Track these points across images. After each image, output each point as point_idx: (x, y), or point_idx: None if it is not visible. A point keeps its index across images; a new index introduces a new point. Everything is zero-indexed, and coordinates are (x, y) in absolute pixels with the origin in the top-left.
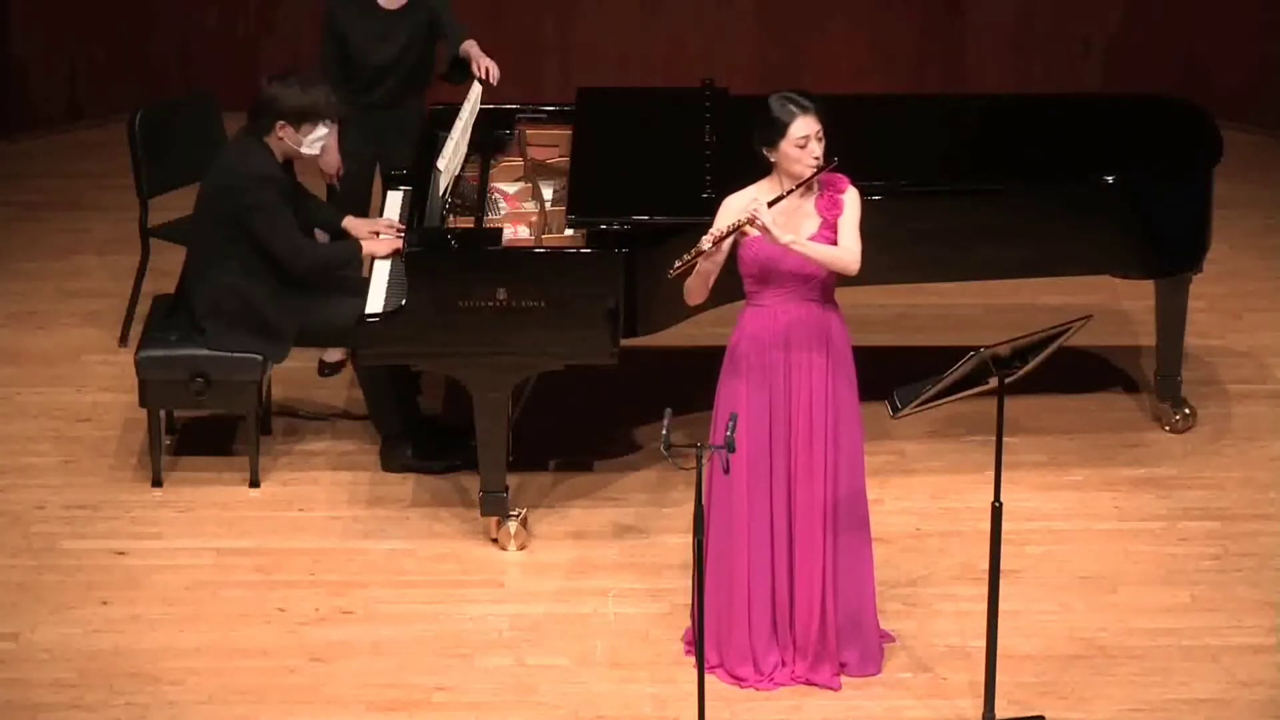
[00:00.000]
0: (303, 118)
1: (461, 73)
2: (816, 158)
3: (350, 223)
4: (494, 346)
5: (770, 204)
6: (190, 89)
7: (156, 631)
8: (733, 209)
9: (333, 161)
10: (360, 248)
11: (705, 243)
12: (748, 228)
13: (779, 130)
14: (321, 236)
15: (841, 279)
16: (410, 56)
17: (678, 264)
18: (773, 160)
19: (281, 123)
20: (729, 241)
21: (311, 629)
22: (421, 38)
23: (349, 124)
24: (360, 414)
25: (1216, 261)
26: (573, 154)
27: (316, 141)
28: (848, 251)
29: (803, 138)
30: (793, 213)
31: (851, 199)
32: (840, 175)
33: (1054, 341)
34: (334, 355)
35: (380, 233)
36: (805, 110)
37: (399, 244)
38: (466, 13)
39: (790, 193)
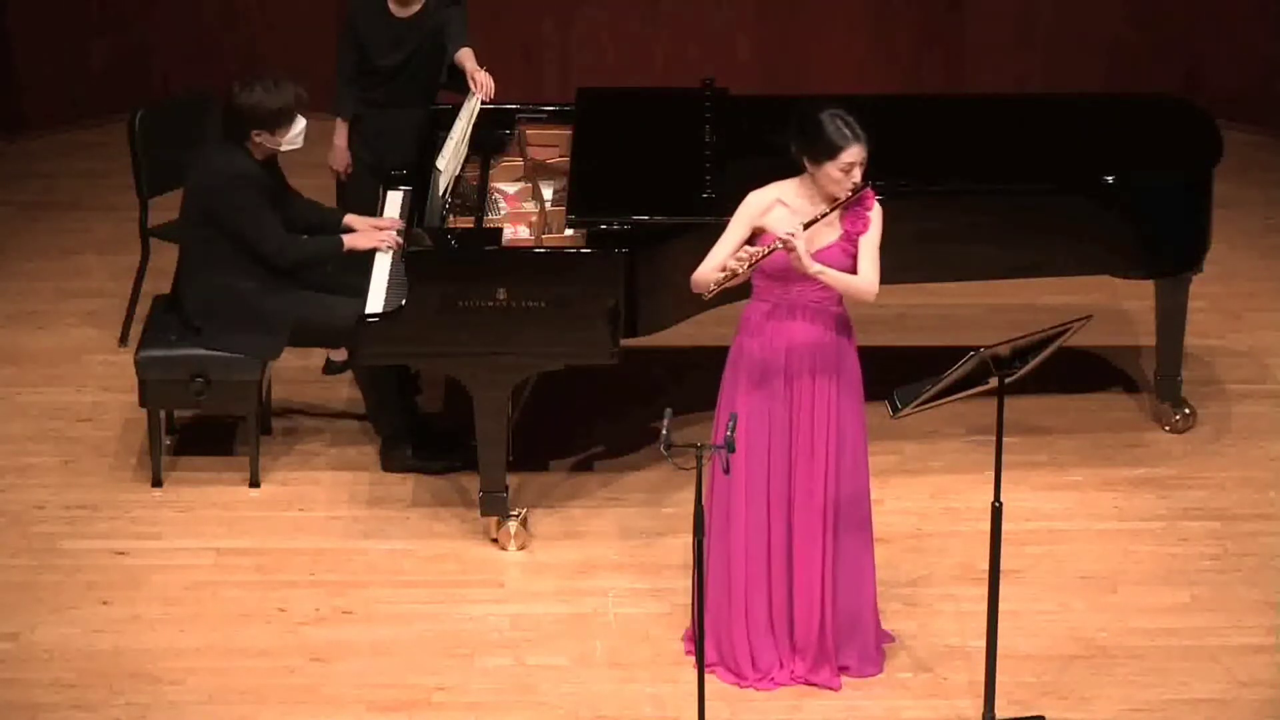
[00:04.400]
0: (277, 123)
1: (455, 79)
2: (855, 183)
3: (352, 220)
4: (494, 346)
5: (805, 226)
6: (190, 89)
7: (156, 631)
8: (755, 207)
9: (341, 159)
10: (342, 243)
11: (740, 265)
12: (780, 247)
13: (828, 152)
14: None
15: None
16: (416, 63)
17: (714, 286)
18: (809, 171)
19: (256, 131)
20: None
21: (311, 629)
22: (429, 46)
23: (359, 122)
24: (360, 414)
25: (1216, 261)
26: (573, 154)
27: (296, 137)
28: (866, 282)
29: (849, 164)
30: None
31: (877, 218)
32: (867, 191)
33: (1054, 341)
34: (341, 354)
35: (382, 229)
36: (858, 140)
37: (381, 239)
38: (468, 12)
39: (824, 216)
